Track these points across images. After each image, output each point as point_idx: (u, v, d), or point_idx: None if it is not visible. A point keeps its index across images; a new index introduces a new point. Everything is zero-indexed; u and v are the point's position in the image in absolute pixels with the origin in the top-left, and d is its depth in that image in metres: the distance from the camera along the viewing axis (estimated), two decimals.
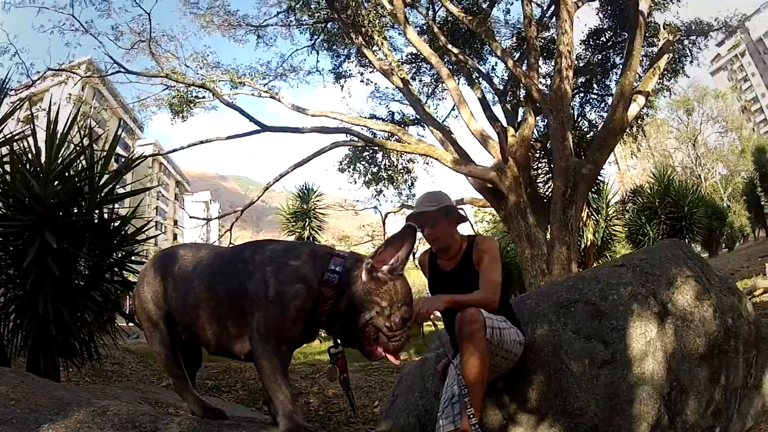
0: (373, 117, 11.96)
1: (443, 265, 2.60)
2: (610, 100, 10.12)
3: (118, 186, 3.91)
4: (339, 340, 1.89)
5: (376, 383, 5.59)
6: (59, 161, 3.60)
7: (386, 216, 12.75)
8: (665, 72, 10.78)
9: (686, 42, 11.27)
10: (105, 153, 3.89)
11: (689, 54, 11.44)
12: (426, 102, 11.87)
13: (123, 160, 4.26)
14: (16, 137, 3.71)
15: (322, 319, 1.82)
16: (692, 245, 15.21)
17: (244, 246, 2.06)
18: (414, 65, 12.35)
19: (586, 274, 2.87)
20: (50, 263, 3.09)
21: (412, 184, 13.14)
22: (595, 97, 12.19)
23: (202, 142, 10.45)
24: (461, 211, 2.65)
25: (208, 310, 1.89)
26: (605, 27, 11.67)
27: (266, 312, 1.74)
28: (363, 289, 1.78)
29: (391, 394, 3.09)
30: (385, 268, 1.79)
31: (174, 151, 11.76)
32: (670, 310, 2.48)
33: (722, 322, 2.52)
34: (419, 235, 2.49)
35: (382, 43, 9.87)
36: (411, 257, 2.38)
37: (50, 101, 4.11)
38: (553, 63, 9.38)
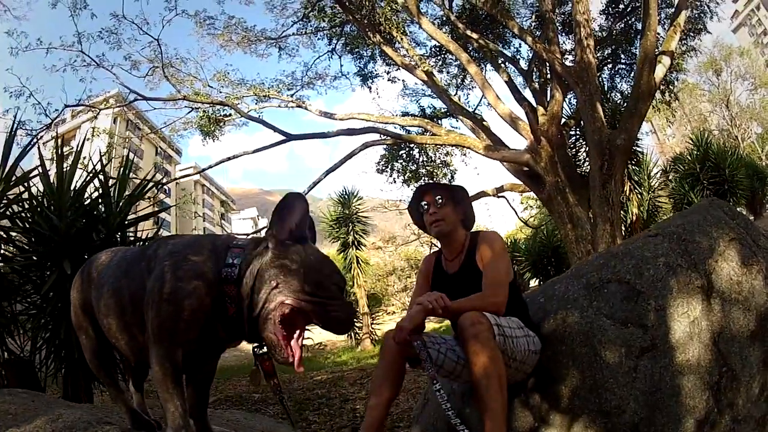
0: (405, 114, 11.93)
1: (447, 266, 2.37)
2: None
3: (155, 209, 3.96)
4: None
5: (425, 385, 5.42)
6: (72, 190, 3.71)
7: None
8: (688, 32, 10.55)
9: None
10: (120, 177, 3.96)
11: (708, 9, 11.15)
12: (455, 93, 11.80)
13: (142, 182, 4.28)
14: (31, 174, 3.84)
15: (232, 323, 1.61)
16: (737, 208, 14.74)
17: (151, 242, 1.92)
18: (439, 58, 12.24)
19: (617, 249, 2.51)
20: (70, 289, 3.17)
21: (452, 177, 12.92)
22: (623, 66, 11.93)
23: (229, 159, 10.60)
24: (472, 212, 2.43)
25: (116, 317, 1.73)
26: None
27: (159, 311, 1.55)
28: (266, 261, 1.55)
29: (422, 398, 2.88)
30: (285, 236, 1.58)
31: (204, 170, 12.05)
32: (714, 282, 2.19)
33: None
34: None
35: (401, 39, 9.85)
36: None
37: (63, 134, 4.26)
38: (573, 36, 9.21)
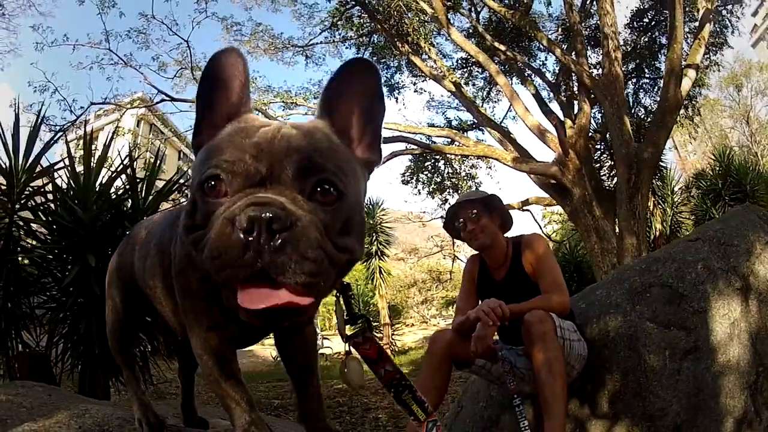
0: (432, 125, 11.94)
1: (494, 273, 2.35)
2: (661, 83, 9.91)
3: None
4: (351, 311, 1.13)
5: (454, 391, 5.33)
6: (98, 184, 3.70)
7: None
8: (711, 47, 10.61)
9: (724, 12, 11.08)
10: (148, 173, 3.95)
11: (729, 24, 11.30)
12: (482, 105, 11.79)
13: (171, 180, 4.27)
14: (56, 167, 3.84)
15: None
16: None
17: None
18: (465, 69, 12.28)
19: (659, 254, 2.62)
20: (92, 283, 3.12)
21: (477, 189, 12.91)
22: (648, 81, 11.95)
23: None
24: (508, 213, 2.41)
25: (160, 278, 1.35)
26: (646, 7, 11.51)
27: (177, 288, 1.22)
28: None
29: (456, 405, 2.90)
30: None
31: None
32: (752, 284, 2.25)
33: None
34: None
35: (429, 50, 9.91)
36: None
37: (88, 134, 4.31)
38: (600, 50, 9.25)
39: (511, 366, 2.05)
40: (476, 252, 2.43)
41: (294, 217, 0.78)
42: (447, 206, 12.68)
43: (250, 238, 0.75)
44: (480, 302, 2.11)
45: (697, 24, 9.83)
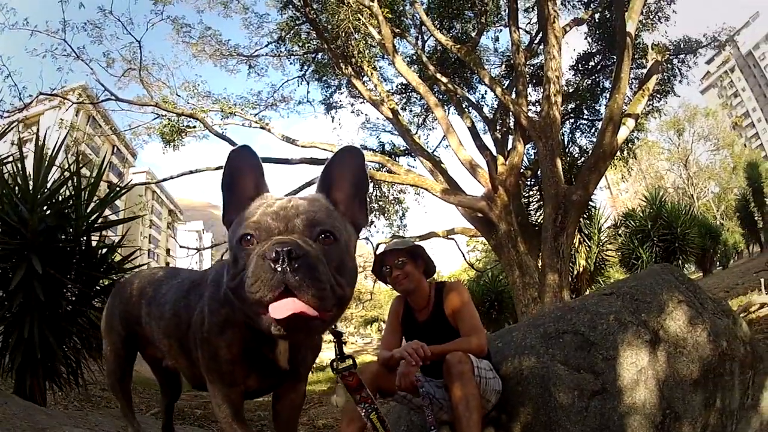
0: (363, 148, 11.93)
1: (417, 315, 2.57)
2: (599, 125, 10.07)
3: (108, 213, 3.93)
4: (342, 352, 1.55)
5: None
6: (47, 186, 3.63)
7: (377, 247, 12.51)
8: (655, 93, 10.83)
9: (675, 61, 11.31)
10: (93, 179, 3.90)
11: (678, 73, 11.50)
12: (416, 132, 11.97)
13: (115, 187, 4.25)
14: (6, 160, 3.74)
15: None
16: (686, 266, 15.25)
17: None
18: (404, 95, 12.45)
19: (574, 303, 2.86)
20: (36, 288, 3.13)
21: (404, 214, 13.21)
22: (585, 122, 12.24)
23: (192, 172, 10.46)
24: (432, 261, 2.61)
25: (176, 339, 1.71)
26: (594, 51, 11.73)
27: (203, 351, 1.52)
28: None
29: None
30: None
31: (166, 180, 11.77)
32: (662, 337, 2.45)
33: (716, 345, 2.49)
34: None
35: (371, 74, 9.94)
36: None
37: (38, 125, 4.14)
38: (541, 89, 9.38)
39: (430, 400, 2.26)
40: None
41: (306, 248, 1.12)
42: (372, 228, 12.79)
43: (276, 266, 1.08)
44: (404, 339, 2.56)
45: (644, 71, 10.01)
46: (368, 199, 1.41)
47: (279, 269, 1.08)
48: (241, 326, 1.41)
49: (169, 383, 2.31)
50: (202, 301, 1.54)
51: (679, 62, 11.42)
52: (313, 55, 11.70)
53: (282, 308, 1.07)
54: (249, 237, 1.19)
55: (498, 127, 11.08)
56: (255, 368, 1.51)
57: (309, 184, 9.95)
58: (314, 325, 1.13)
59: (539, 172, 9.50)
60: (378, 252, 2.66)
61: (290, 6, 10.45)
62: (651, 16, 10.82)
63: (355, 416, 2.12)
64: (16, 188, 3.53)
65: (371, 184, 11.53)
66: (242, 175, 1.32)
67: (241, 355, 1.46)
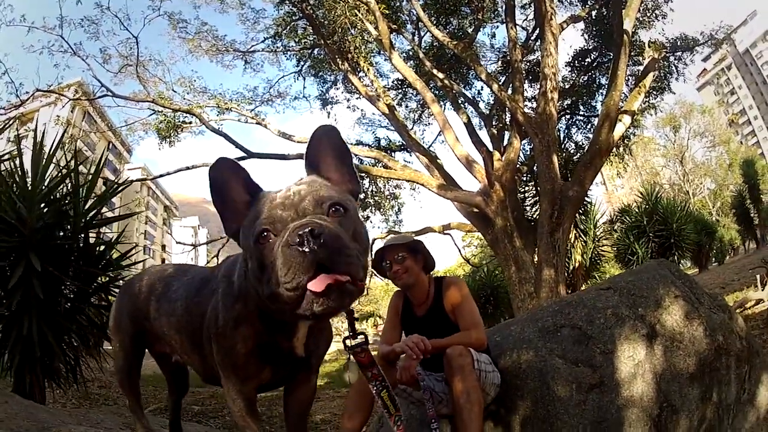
0: (359, 143, 12.05)
1: (416, 310, 2.59)
2: (596, 121, 10.13)
3: (104, 210, 3.96)
4: (353, 329, 1.55)
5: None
6: (45, 183, 3.64)
7: (373, 242, 12.54)
8: (651, 90, 10.82)
9: (672, 59, 11.30)
10: (91, 176, 3.92)
11: (675, 70, 11.48)
12: (412, 128, 11.97)
13: (112, 184, 4.26)
14: (3, 157, 3.76)
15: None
16: (681, 261, 15.29)
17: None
18: (400, 91, 12.43)
19: (571, 298, 2.88)
20: (35, 286, 3.15)
21: (399, 210, 13.19)
22: (581, 118, 12.26)
23: (188, 168, 10.42)
24: (431, 256, 2.63)
25: (188, 335, 1.76)
26: (590, 48, 11.72)
27: (218, 345, 1.56)
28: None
29: (378, 421, 3.02)
30: None
31: (162, 176, 11.76)
32: (659, 332, 2.48)
33: (713, 340, 2.51)
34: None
35: (368, 69, 9.95)
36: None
37: (36, 122, 4.14)
38: (538, 86, 9.37)
39: (431, 393, 2.27)
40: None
41: (324, 224, 1.17)
42: (368, 223, 12.78)
43: (304, 248, 1.12)
44: (404, 333, 2.58)
45: (640, 68, 10.04)
46: (354, 168, 1.45)
47: (307, 250, 1.12)
48: (255, 321, 1.46)
49: (177, 380, 2.37)
50: (215, 297, 1.59)
51: (675, 60, 11.40)
52: (310, 51, 11.68)
53: (318, 284, 1.12)
54: (266, 233, 1.22)
55: (494, 123, 11.09)
56: (269, 361, 1.55)
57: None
58: (351, 290, 1.17)
59: (535, 167, 9.53)
60: (376, 248, 2.65)
61: (287, 1, 10.42)
62: (648, 14, 10.81)
63: (356, 410, 2.18)
64: (14, 186, 3.55)
65: (367, 179, 11.60)
66: (228, 185, 1.36)
67: (255, 349, 1.50)
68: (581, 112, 12.16)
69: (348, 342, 1.54)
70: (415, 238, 2.64)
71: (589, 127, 11.97)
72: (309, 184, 1.30)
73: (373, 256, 2.65)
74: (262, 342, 1.50)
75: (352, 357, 1.57)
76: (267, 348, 1.51)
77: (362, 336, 1.55)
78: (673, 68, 11.46)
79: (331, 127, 1.42)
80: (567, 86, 11.65)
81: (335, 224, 1.20)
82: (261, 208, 1.27)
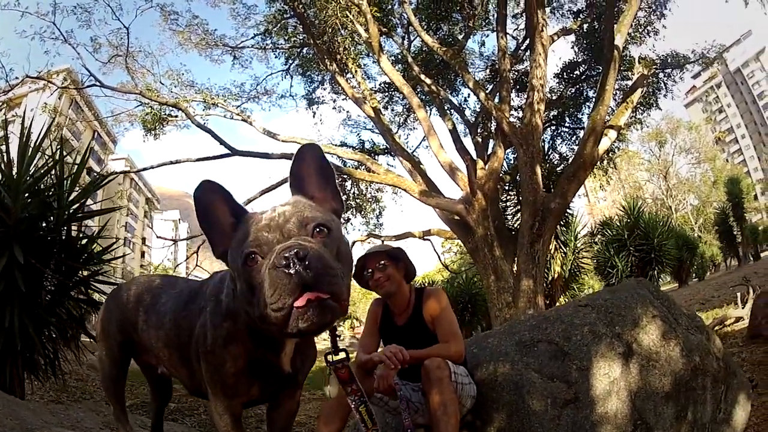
0: (343, 145, 12.05)
1: (396, 319, 2.59)
2: (581, 134, 10.15)
3: (87, 202, 3.90)
4: (336, 346, 1.60)
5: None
6: (30, 173, 3.57)
7: (353, 244, 12.51)
8: (638, 105, 10.89)
9: (661, 75, 11.36)
10: (76, 167, 3.85)
11: (664, 87, 11.55)
12: (397, 132, 11.99)
13: (95, 174, 4.16)
14: None
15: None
16: (661, 276, 15.40)
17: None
18: (387, 94, 12.45)
19: (549, 313, 2.90)
20: (18, 278, 3.09)
21: (380, 213, 13.21)
22: (567, 130, 12.35)
23: (173, 162, 10.37)
24: (413, 265, 2.64)
25: (176, 349, 1.78)
26: (580, 60, 11.78)
27: (206, 363, 1.59)
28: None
29: (353, 427, 2.99)
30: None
31: (146, 169, 11.64)
32: (635, 350, 2.49)
33: (689, 360, 2.53)
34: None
35: (355, 71, 9.94)
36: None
37: (25, 109, 4.06)
38: (525, 96, 9.41)
39: (407, 403, 2.32)
40: (380, 298, 2.67)
41: (309, 246, 1.20)
42: (348, 225, 12.76)
43: (290, 270, 1.16)
44: (382, 342, 2.60)
45: (629, 83, 10.06)
46: (339, 187, 1.50)
47: (293, 272, 1.16)
48: (245, 339, 1.50)
49: (161, 389, 2.40)
50: (204, 316, 1.61)
51: (665, 76, 11.48)
52: (299, 50, 11.67)
53: (303, 299, 1.16)
54: (253, 255, 1.26)
55: (479, 131, 11.14)
56: (258, 377, 1.58)
57: (288, 179, 9.86)
58: (333, 306, 1.20)
59: (518, 177, 9.56)
60: (360, 256, 2.65)
61: None
62: (640, 30, 10.88)
63: (333, 417, 2.21)
64: (0, 174, 3.47)
65: (349, 181, 11.57)
66: (214, 206, 1.39)
67: (246, 367, 1.54)
68: (567, 124, 12.24)
69: (330, 357, 1.59)
70: (397, 246, 2.65)
71: (574, 138, 12.06)
72: (293, 204, 1.34)
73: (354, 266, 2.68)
74: (253, 359, 1.53)
75: (333, 372, 1.63)
76: (257, 365, 1.54)
77: (343, 353, 1.60)
78: (662, 84, 11.54)
79: (314, 146, 1.47)
80: (554, 97, 11.71)
81: (319, 245, 1.24)
82: (247, 230, 1.30)
